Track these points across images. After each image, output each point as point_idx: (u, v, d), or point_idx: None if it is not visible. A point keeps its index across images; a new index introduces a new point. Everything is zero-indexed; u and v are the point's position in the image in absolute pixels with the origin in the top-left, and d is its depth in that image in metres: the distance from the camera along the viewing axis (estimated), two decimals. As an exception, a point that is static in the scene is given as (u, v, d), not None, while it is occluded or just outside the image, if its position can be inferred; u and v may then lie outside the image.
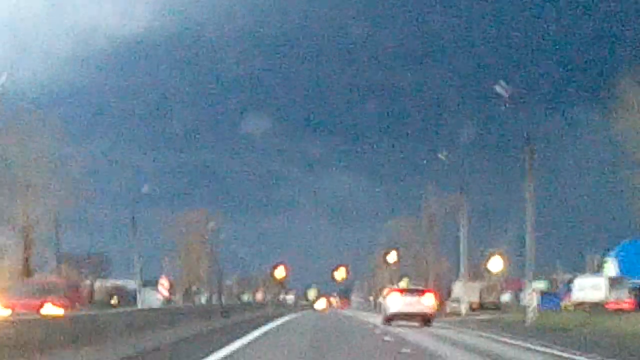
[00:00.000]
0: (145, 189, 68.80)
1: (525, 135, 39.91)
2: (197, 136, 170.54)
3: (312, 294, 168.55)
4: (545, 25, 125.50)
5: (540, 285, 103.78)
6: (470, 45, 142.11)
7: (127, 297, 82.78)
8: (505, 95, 45.68)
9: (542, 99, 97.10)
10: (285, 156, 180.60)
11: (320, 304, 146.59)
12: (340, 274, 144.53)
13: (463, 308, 67.63)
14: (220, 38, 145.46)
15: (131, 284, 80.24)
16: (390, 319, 42.74)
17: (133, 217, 67.11)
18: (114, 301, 75.07)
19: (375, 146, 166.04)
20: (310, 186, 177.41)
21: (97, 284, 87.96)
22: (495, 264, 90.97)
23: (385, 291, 53.26)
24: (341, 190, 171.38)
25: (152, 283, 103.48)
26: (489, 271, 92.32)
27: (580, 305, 68.53)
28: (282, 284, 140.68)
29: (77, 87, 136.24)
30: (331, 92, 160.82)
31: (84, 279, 74.14)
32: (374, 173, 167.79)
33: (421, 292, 44.63)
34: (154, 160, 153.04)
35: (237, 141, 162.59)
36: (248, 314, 48.03)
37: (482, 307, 77.99)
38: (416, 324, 41.54)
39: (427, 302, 42.83)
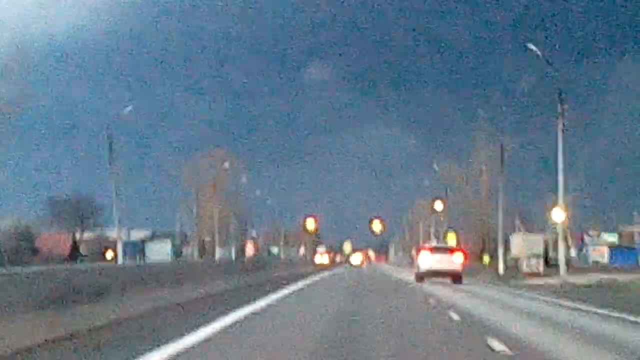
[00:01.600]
0: (127, 110, 57.07)
1: None
2: (233, 83, 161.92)
3: (346, 248, 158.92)
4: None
5: (611, 238, 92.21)
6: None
7: (131, 251, 71.49)
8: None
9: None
10: (327, 107, 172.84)
11: (356, 259, 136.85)
12: (376, 227, 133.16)
13: (562, 269, 48.06)
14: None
15: (132, 235, 68.89)
16: (422, 276, 44.82)
17: (110, 144, 55.15)
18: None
19: (418, 98, 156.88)
20: (351, 138, 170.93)
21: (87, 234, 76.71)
22: (557, 216, 78.34)
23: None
24: (382, 142, 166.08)
25: (165, 235, 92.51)
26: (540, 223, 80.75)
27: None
28: (311, 236, 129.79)
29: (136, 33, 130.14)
30: (378, 45, 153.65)
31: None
32: (417, 125, 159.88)
33: (451, 251, 47.07)
34: (184, 107, 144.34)
35: (278, 89, 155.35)
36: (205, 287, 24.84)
37: (547, 264, 65.74)
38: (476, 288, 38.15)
39: (457, 260, 44.91)
